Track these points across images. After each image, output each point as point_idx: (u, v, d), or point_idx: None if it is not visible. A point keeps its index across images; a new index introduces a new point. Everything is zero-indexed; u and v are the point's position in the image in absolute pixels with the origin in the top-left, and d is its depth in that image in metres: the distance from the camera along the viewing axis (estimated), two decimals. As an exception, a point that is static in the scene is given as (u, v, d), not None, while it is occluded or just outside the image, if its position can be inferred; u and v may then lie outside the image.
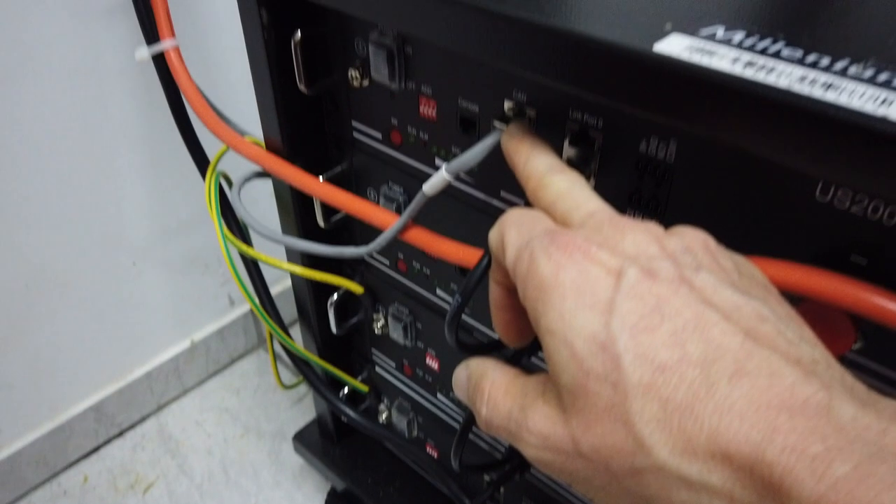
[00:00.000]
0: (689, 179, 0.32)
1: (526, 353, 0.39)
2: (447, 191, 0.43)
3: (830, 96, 0.23)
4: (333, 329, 0.58)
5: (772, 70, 0.25)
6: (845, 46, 0.26)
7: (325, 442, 0.70)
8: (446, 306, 0.50)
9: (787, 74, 0.24)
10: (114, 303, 0.78)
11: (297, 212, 0.52)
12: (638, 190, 0.33)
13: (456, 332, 0.33)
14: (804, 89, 0.23)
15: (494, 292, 0.29)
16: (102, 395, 0.82)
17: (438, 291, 0.50)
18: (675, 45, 0.27)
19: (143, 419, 0.87)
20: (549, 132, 0.36)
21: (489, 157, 0.36)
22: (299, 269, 0.54)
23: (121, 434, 0.86)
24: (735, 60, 0.25)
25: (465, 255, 0.39)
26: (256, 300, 0.59)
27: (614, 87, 0.28)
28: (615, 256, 0.23)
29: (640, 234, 0.24)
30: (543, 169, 0.29)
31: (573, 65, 0.28)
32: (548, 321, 0.22)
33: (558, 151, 0.35)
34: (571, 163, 0.35)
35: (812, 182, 0.28)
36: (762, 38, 0.27)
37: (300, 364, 0.62)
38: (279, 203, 0.53)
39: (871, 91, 0.23)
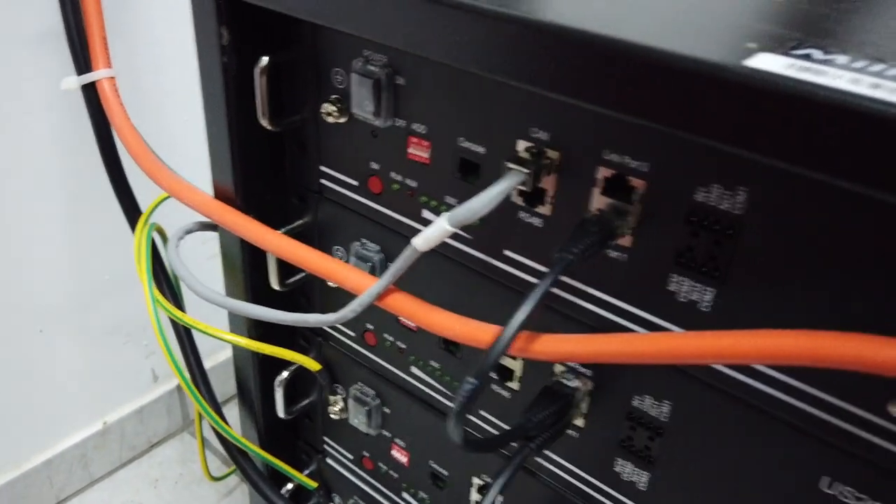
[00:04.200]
0: (760, 235, 0.26)
1: (534, 452, 0.32)
2: (437, 249, 0.36)
3: None
4: (281, 413, 0.49)
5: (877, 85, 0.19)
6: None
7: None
8: (424, 388, 0.42)
9: None
10: (12, 376, 0.66)
11: (247, 272, 0.44)
12: (690, 249, 0.27)
13: (463, 427, 0.25)
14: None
15: None
16: (-12, 488, 0.68)
17: (414, 370, 0.42)
18: (770, 64, 0.21)
19: (37, 517, 0.73)
20: (575, 179, 0.30)
21: (494, 208, 0.30)
22: (244, 341, 0.45)
23: (8, 536, 0.72)
24: (855, 81, 0.20)
25: (463, 328, 0.32)
26: (187, 375, 0.50)
27: (685, 114, 0.22)
28: None
29: None
30: None
31: (632, 87, 0.23)
32: None
33: (584, 202, 0.29)
34: (604, 216, 0.29)
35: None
36: (872, 61, 0.21)
37: (235, 453, 0.52)
38: (225, 261, 0.45)
39: None
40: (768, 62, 0.21)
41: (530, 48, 0.24)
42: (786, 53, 0.22)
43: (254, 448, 0.51)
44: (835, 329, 0.22)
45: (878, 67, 0.21)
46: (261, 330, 0.47)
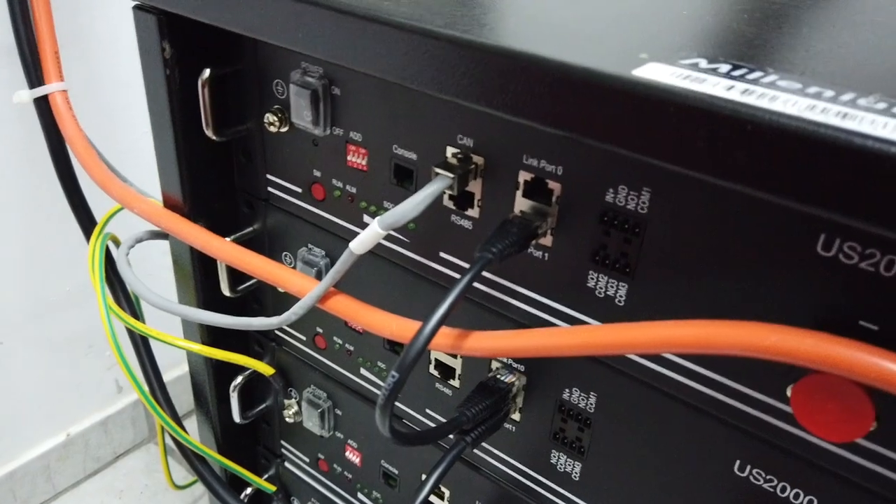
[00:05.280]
0: (664, 233, 0.27)
1: (469, 445, 0.33)
2: (378, 253, 0.38)
3: (850, 125, 0.19)
4: (236, 418, 0.50)
5: (775, 98, 0.21)
6: (845, 79, 0.23)
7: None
8: (373, 389, 0.43)
9: (793, 103, 0.21)
10: (-28, 390, 0.66)
11: (199, 279, 0.45)
12: (603, 247, 0.29)
13: (390, 419, 0.26)
14: (818, 117, 0.20)
15: None
16: (-51, 502, 0.68)
17: (363, 371, 0.43)
18: (657, 73, 0.23)
19: (0, 531, 0.73)
20: (499, 183, 0.31)
21: (428, 212, 0.31)
22: (197, 347, 0.46)
23: (-30, 550, 0.71)
24: (730, 88, 0.22)
25: (399, 327, 0.33)
26: (145, 386, 0.51)
27: (580, 120, 0.23)
28: None
29: None
30: None
31: (538, 97, 0.24)
32: None
33: (509, 204, 0.31)
34: (525, 217, 0.30)
35: (813, 232, 0.24)
36: (751, 69, 0.23)
37: (195, 461, 0.52)
38: (177, 269, 0.46)
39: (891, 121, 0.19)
40: (656, 71, 0.23)
41: (441, 61, 0.26)
42: (675, 63, 0.24)
43: (211, 453, 0.52)
44: (734, 319, 0.23)
45: (755, 75, 0.23)
46: (214, 336, 0.47)
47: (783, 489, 0.28)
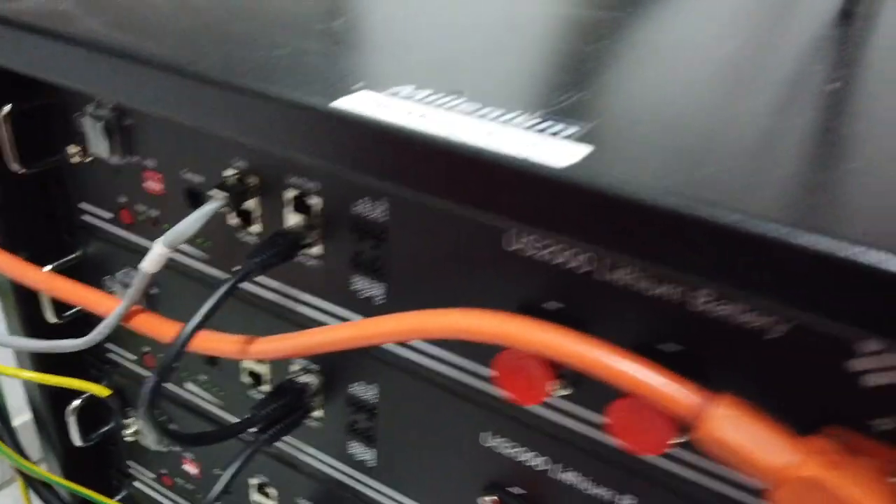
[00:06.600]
0: (405, 238, 0.31)
1: (265, 442, 0.36)
2: (187, 273, 0.40)
3: (487, 142, 0.24)
4: (76, 441, 0.51)
5: (433, 118, 0.25)
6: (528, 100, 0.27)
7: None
8: (197, 400, 0.45)
9: (449, 123, 0.25)
10: None
11: (23, 308, 0.46)
12: (360, 253, 0.33)
13: (155, 421, 0.29)
14: (459, 134, 0.24)
15: None
16: None
17: (187, 385, 0.45)
18: (356, 102, 0.27)
19: None
20: (272, 200, 0.34)
21: (219, 229, 0.34)
22: (26, 374, 0.47)
23: None
24: (409, 113, 0.26)
25: (205, 340, 0.36)
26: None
27: (296, 144, 0.27)
28: None
29: None
30: None
31: (267, 126, 0.28)
32: None
33: (283, 219, 0.34)
34: (293, 230, 0.33)
35: (496, 231, 0.28)
36: (448, 94, 0.27)
37: (41, 489, 0.53)
38: (2, 299, 0.47)
39: (525, 136, 0.24)
40: (357, 101, 0.27)
41: (189, 97, 0.29)
42: (381, 91, 0.28)
43: (57, 479, 0.53)
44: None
45: (443, 99, 0.27)
46: (48, 363, 0.48)
47: (523, 453, 0.33)
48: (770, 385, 0.25)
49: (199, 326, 0.29)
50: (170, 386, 0.47)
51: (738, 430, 0.23)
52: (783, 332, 0.24)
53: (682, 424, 0.24)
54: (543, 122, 0.25)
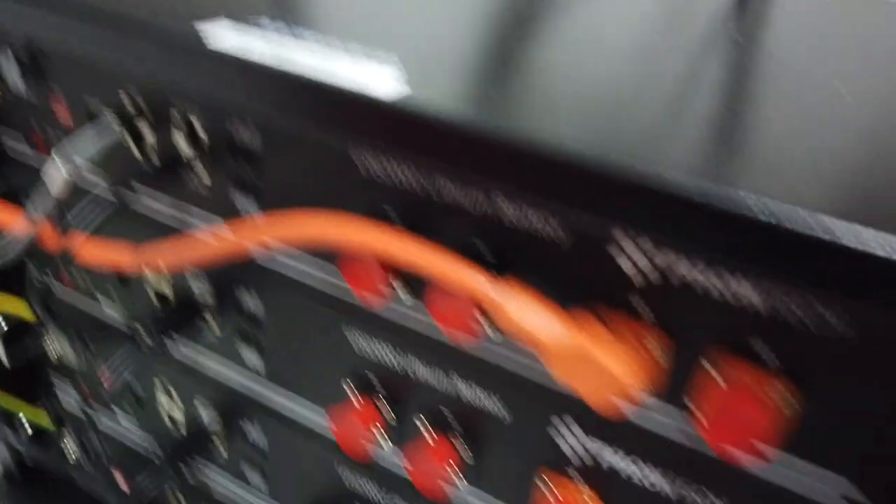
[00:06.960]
0: (276, 163, 0.35)
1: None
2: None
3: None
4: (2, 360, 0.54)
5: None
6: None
7: (11, 489, 0.64)
8: (111, 312, 0.49)
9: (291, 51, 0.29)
10: None
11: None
12: (241, 179, 0.37)
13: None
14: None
15: None
16: None
17: (101, 298, 0.49)
18: (215, 28, 0.30)
19: None
20: (161, 125, 0.38)
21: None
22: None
23: None
24: (262, 38, 0.30)
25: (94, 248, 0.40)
26: None
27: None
28: None
29: None
30: None
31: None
32: None
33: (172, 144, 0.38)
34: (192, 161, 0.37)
35: (349, 158, 0.32)
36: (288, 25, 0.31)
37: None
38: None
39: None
40: (216, 27, 0.30)
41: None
42: (242, 21, 0.31)
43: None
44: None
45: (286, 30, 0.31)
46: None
47: (378, 346, 0.37)
48: (547, 275, 0.29)
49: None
50: (78, 303, 0.50)
51: (520, 309, 0.28)
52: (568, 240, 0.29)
53: (482, 308, 0.29)
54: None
